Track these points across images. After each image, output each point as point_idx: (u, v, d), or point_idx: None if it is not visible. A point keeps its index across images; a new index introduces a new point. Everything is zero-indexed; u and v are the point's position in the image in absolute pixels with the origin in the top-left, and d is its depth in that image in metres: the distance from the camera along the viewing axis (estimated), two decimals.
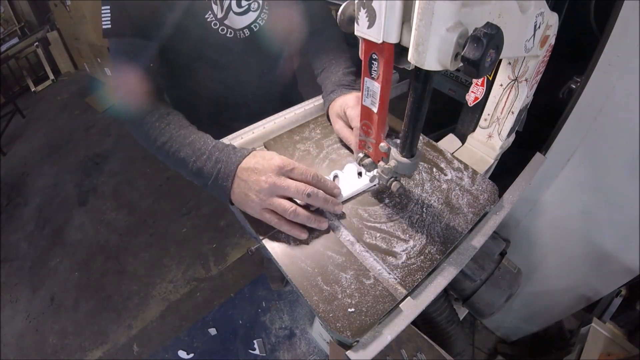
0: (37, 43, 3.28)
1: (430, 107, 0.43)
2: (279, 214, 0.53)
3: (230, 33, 0.71)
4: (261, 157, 0.55)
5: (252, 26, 0.73)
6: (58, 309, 1.71)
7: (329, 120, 0.73)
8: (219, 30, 0.70)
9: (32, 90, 3.37)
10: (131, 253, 1.90)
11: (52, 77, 3.47)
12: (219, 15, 0.68)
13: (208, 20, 0.67)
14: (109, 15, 0.61)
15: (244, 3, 0.70)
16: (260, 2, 0.72)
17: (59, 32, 3.41)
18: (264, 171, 0.53)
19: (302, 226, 0.54)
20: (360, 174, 0.63)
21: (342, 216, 0.58)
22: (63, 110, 3.11)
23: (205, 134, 0.61)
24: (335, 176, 0.63)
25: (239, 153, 0.57)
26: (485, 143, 0.73)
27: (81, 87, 3.34)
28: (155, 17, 0.63)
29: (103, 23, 0.61)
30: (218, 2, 0.67)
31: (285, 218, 0.53)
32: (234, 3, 0.68)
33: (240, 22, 0.71)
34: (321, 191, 0.54)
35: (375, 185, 0.61)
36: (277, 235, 0.55)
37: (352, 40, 0.53)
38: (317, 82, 0.80)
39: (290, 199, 0.54)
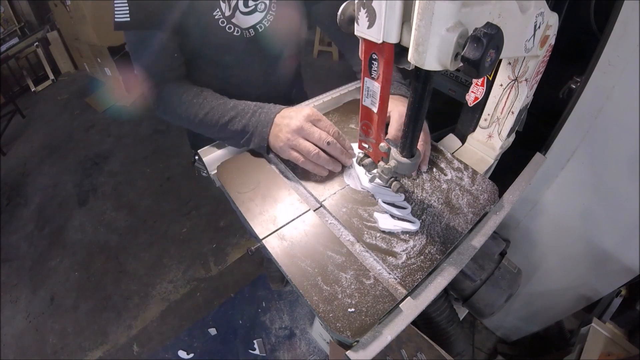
0: (37, 43, 3.28)
1: (430, 107, 0.43)
2: (304, 155, 0.61)
3: (237, 31, 0.71)
4: (295, 108, 0.64)
5: (258, 26, 0.73)
6: (58, 309, 1.71)
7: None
8: (226, 28, 0.70)
9: (32, 90, 3.36)
10: (131, 253, 1.90)
11: (52, 77, 3.46)
12: (227, 14, 0.68)
13: (216, 17, 0.68)
14: (127, 7, 0.60)
15: (250, 3, 0.70)
16: (267, 3, 0.72)
17: (59, 32, 3.40)
18: (295, 117, 0.61)
19: (322, 166, 0.62)
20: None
21: (341, 216, 0.58)
22: (63, 110, 3.11)
23: (241, 101, 0.67)
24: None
25: (278, 107, 0.65)
26: (485, 143, 0.73)
27: (81, 87, 3.33)
28: (170, 11, 0.63)
29: (117, 16, 0.61)
30: (226, 0, 0.67)
31: (308, 159, 0.61)
32: (241, 3, 0.69)
33: (246, 21, 0.71)
34: (339, 144, 0.62)
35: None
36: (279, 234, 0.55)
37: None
38: (358, 78, 0.82)
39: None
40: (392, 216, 0.57)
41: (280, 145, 0.61)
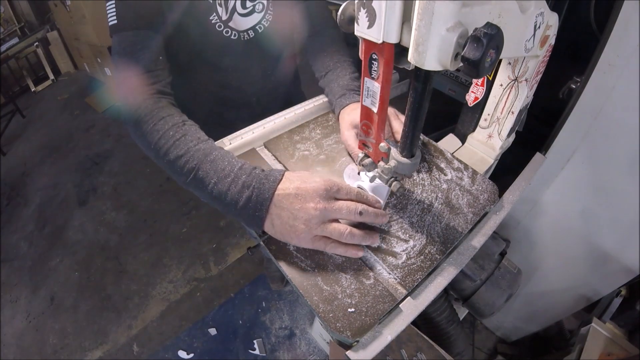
0: (37, 43, 3.28)
1: (430, 107, 0.43)
2: (335, 238, 0.50)
3: (235, 35, 0.71)
4: (300, 180, 0.50)
5: (257, 27, 0.73)
6: (58, 309, 1.71)
7: (338, 122, 0.71)
8: (223, 32, 0.69)
9: (32, 90, 3.36)
10: (131, 253, 1.90)
11: (52, 77, 3.47)
12: (224, 17, 0.68)
13: (212, 22, 0.67)
14: (114, 10, 0.58)
15: (248, 4, 0.69)
16: (265, 3, 0.71)
17: (59, 32, 3.40)
18: (309, 197, 0.48)
19: (356, 245, 0.51)
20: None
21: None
22: (63, 110, 3.11)
23: (227, 151, 0.55)
24: (360, 187, 0.60)
25: (270, 177, 0.50)
26: (485, 143, 0.73)
27: (81, 87, 3.33)
28: (160, 13, 0.61)
29: (109, 20, 0.59)
30: (223, 3, 0.66)
31: (338, 241, 0.50)
32: (238, 4, 0.68)
33: (244, 23, 0.71)
34: (370, 207, 0.52)
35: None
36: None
37: (352, 41, 0.53)
38: (319, 85, 0.79)
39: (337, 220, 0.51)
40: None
41: (300, 237, 0.48)
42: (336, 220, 0.50)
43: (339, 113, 0.70)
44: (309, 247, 0.51)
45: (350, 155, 0.67)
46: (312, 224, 0.48)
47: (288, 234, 0.49)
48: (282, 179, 0.50)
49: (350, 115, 0.67)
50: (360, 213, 0.50)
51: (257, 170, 0.52)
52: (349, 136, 0.65)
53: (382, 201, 0.55)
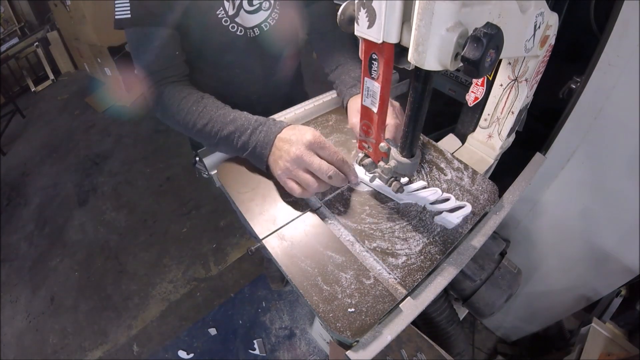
0: (37, 43, 3.28)
1: (430, 107, 0.43)
2: (302, 187, 0.56)
3: (241, 31, 0.71)
4: (298, 129, 0.58)
5: (262, 25, 0.73)
6: (58, 309, 1.71)
7: (346, 111, 0.73)
8: (230, 27, 0.69)
9: (32, 90, 3.36)
10: (131, 253, 1.90)
11: (52, 77, 3.46)
12: (230, 13, 0.68)
13: (219, 16, 0.67)
14: (128, 5, 0.60)
15: (255, 2, 0.69)
16: (272, 2, 0.72)
17: (59, 32, 3.40)
18: (295, 142, 0.56)
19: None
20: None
21: (341, 216, 0.58)
22: (63, 110, 3.10)
23: (242, 111, 0.64)
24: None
25: (278, 124, 0.60)
26: (485, 143, 0.73)
27: (81, 87, 3.33)
28: (171, 8, 0.62)
29: (117, 13, 0.61)
30: None
31: (307, 190, 0.56)
32: (245, 1, 0.68)
33: (250, 20, 0.71)
34: (342, 174, 0.57)
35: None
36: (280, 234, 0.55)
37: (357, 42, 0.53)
38: (329, 79, 0.81)
39: None
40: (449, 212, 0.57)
41: (278, 173, 0.58)
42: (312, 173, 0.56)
43: (348, 101, 0.72)
44: (284, 186, 0.58)
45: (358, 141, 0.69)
46: (288, 165, 0.56)
47: (274, 168, 0.58)
48: (287, 127, 0.60)
49: (358, 101, 0.68)
50: (330, 177, 0.55)
51: (271, 120, 0.61)
52: (356, 122, 0.66)
53: (360, 180, 0.62)
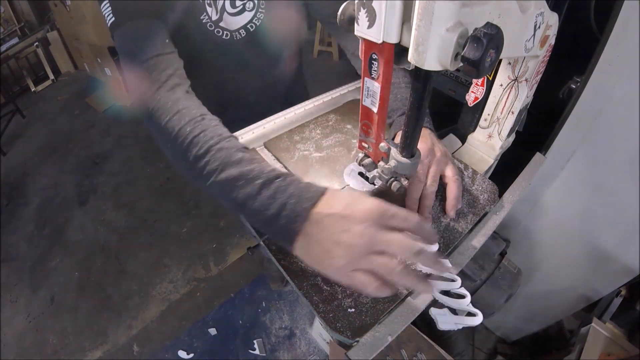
0: (37, 43, 3.28)
1: (430, 107, 0.43)
2: (382, 274, 0.38)
3: (227, 35, 0.70)
4: (350, 198, 0.40)
5: (248, 26, 0.72)
6: (58, 309, 1.71)
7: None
8: (215, 32, 0.69)
9: (32, 90, 3.36)
10: (131, 253, 1.90)
11: (52, 77, 3.47)
12: (214, 18, 0.67)
13: (204, 22, 0.67)
14: (109, 7, 0.57)
15: (238, 3, 0.68)
16: (256, 1, 0.71)
17: (59, 32, 3.40)
18: (358, 220, 0.38)
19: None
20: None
21: None
22: (63, 110, 3.11)
23: (255, 152, 0.50)
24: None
25: (312, 188, 0.41)
26: (485, 143, 0.73)
27: (81, 87, 3.33)
28: (156, 4, 0.59)
29: (107, 19, 0.58)
30: (212, 3, 0.66)
31: (389, 279, 0.39)
32: (227, 3, 0.67)
33: (235, 22, 0.70)
34: (430, 250, 0.40)
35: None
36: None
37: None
38: (355, 55, 0.74)
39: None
40: (452, 310, 0.48)
41: (337, 266, 0.38)
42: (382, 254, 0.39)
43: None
44: (343, 282, 0.39)
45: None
46: (354, 253, 0.38)
47: (322, 260, 0.39)
48: (325, 192, 0.41)
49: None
50: (417, 253, 0.38)
51: (296, 177, 0.43)
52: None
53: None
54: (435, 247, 0.46)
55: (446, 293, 0.47)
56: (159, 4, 0.60)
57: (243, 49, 0.74)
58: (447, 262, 0.48)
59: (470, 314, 0.47)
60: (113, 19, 0.58)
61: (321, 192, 0.41)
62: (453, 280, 0.48)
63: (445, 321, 0.46)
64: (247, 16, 0.71)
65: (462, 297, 0.46)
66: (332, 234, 0.38)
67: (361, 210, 0.38)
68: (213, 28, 0.68)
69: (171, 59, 0.57)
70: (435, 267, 0.41)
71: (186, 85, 0.57)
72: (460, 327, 0.45)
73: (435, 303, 0.78)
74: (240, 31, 0.71)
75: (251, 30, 0.73)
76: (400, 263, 0.38)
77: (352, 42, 0.76)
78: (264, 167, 0.44)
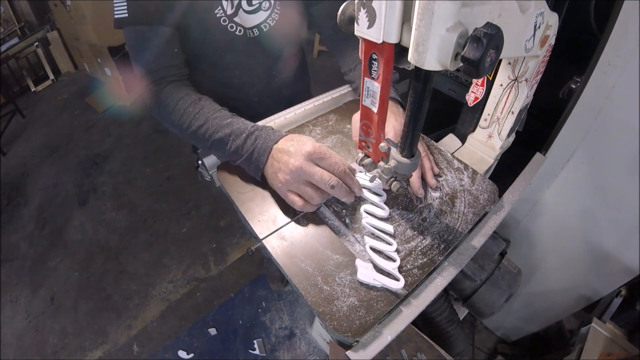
0: (37, 43, 3.28)
1: (430, 107, 0.43)
2: (305, 200, 0.54)
3: (240, 31, 0.70)
4: (296, 140, 0.56)
5: (262, 26, 0.72)
6: (58, 309, 1.71)
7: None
8: (228, 27, 0.69)
9: (32, 90, 3.36)
10: (131, 253, 1.90)
11: (52, 77, 3.46)
12: (229, 12, 0.67)
13: (217, 15, 0.67)
14: (125, 4, 0.60)
15: (254, 2, 0.69)
16: (272, 2, 0.71)
17: (59, 32, 3.40)
18: (295, 154, 0.53)
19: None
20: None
21: (341, 216, 0.58)
22: (63, 110, 3.10)
23: (240, 117, 0.63)
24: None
25: (277, 133, 0.58)
26: (485, 143, 0.73)
27: (81, 87, 3.33)
28: (169, 7, 0.62)
29: (116, 12, 0.61)
30: None
31: (310, 203, 0.55)
32: (244, 1, 0.68)
33: (250, 20, 0.70)
34: (345, 185, 0.55)
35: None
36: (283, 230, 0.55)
37: None
38: (347, 79, 0.80)
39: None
40: (376, 267, 0.51)
41: (278, 186, 0.55)
42: (315, 186, 0.54)
43: None
44: (285, 199, 0.56)
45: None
46: (288, 178, 0.53)
47: (273, 181, 0.56)
48: (284, 137, 0.58)
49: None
50: (332, 187, 0.53)
51: (268, 128, 0.60)
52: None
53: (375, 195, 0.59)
54: (385, 211, 0.57)
55: (379, 253, 0.52)
56: (174, 9, 0.63)
57: (253, 48, 0.74)
58: (360, 191, 0.57)
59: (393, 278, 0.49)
60: (127, 15, 0.61)
61: (282, 136, 0.58)
62: (390, 244, 0.53)
63: (365, 274, 0.49)
64: (262, 15, 0.71)
65: (393, 260, 0.51)
66: (280, 164, 0.54)
67: (300, 148, 0.54)
68: (227, 23, 0.68)
69: (178, 66, 0.68)
70: (346, 197, 0.55)
71: (187, 81, 0.70)
72: (378, 284, 0.49)
73: (435, 304, 0.78)
74: (254, 29, 0.72)
75: (265, 30, 0.73)
76: (319, 196, 0.54)
77: (340, 46, 0.80)
78: (247, 124, 0.61)
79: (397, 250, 0.53)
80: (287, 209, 0.58)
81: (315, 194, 0.54)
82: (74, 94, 3.29)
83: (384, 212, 0.57)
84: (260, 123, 0.74)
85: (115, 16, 0.61)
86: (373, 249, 0.52)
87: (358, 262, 0.51)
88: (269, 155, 0.56)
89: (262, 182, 0.61)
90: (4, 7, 3.31)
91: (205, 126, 0.61)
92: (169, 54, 0.66)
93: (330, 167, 0.54)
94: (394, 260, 0.51)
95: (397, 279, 0.49)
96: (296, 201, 0.54)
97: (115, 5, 0.61)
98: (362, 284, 0.49)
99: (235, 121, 0.61)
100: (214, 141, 0.60)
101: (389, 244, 0.53)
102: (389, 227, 0.55)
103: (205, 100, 0.65)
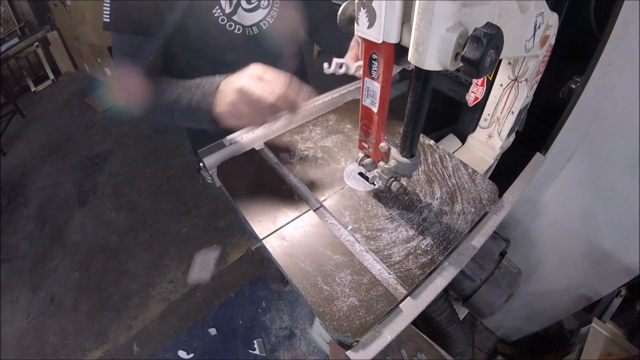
0: (37, 43, 3.28)
1: (430, 107, 0.43)
2: (250, 117, 0.56)
3: (239, 29, 0.71)
4: (238, 73, 0.57)
5: (261, 24, 0.72)
6: (58, 309, 1.71)
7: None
8: (227, 26, 0.69)
9: (32, 90, 3.36)
10: (131, 253, 1.90)
11: (52, 77, 3.46)
12: (227, 11, 0.67)
13: (215, 15, 0.67)
14: (108, 8, 0.61)
15: (253, 0, 0.69)
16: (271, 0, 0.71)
17: (59, 32, 3.40)
18: (236, 80, 0.56)
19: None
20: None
21: (341, 216, 0.58)
22: (63, 110, 3.10)
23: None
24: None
25: (221, 77, 0.60)
26: (485, 143, 0.73)
27: (81, 87, 3.33)
28: (157, 15, 0.62)
29: (103, 15, 0.62)
30: None
31: (253, 118, 0.56)
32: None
33: (249, 18, 0.71)
34: (289, 94, 0.55)
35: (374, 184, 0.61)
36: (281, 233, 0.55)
37: None
38: (312, 39, 0.83)
39: None
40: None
41: (224, 110, 0.56)
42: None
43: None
44: (234, 125, 0.57)
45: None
46: (230, 99, 0.55)
47: (220, 109, 0.57)
48: (227, 76, 0.59)
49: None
50: (270, 106, 0.53)
51: (215, 76, 0.60)
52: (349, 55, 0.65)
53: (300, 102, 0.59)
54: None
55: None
56: (162, 17, 0.63)
57: (252, 46, 0.74)
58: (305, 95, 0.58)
59: None
60: (109, 20, 0.62)
61: (224, 77, 0.59)
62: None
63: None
64: (261, 13, 0.71)
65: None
66: (224, 93, 0.56)
67: (242, 73, 0.56)
68: (225, 22, 0.68)
69: (154, 72, 0.68)
70: (290, 105, 0.55)
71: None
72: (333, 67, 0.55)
73: (435, 304, 0.77)
74: (253, 28, 0.72)
75: (263, 28, 0.73)
76: (256, 112, 0.54)
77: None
78: (198, 80, 0.62)
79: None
80: (287, 209, 0.58)
81: (259, 108, 0.54)
82: (74, 94, 3.29)
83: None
84: None
85: (103, 19, 0.63)
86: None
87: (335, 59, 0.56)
88: (215, 93, 0.58)
89: (263, 181, 0.60)
90: (4, 7, 3.31)
91: (180, 96, 0.62)
92: (144, 62, 0.66)
93: (272, 80, 0.55)
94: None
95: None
96: (242, 118, 0.56)
97: (103, 7, 0.62)
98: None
99: (188, 80, 0.62)
100: (171, 104, 0.61)
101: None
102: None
103: (166, 81, 0.66)
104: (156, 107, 0.65)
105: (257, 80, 0.54)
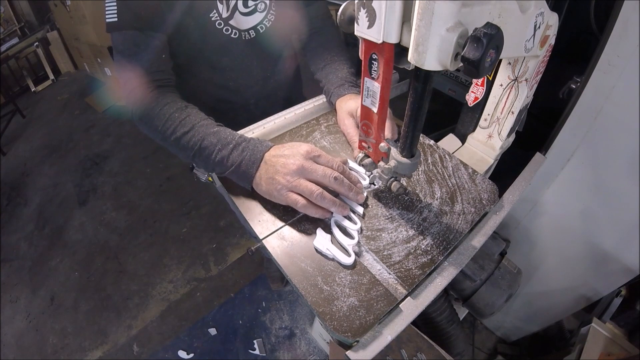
0: (37, 43, 3.28)
1: (430, 107, 0.43)
2: (306, 196, 0.54)
3: (235, 34, 0.70)
4: (288, 145, 0.57)
5: (258, 27, 0.72)
6: (58, 309, 1.71)
7: (336, 111, 0.73)
8: (223, 30, 0.69)
9: (32, 90, 3.36)
10: (131, 253, 1.90)
11: (52, 77, 3.47)
12: (224, 15, 0.67)
13: (212, 19, 0.67)
14: (115, 8, 0.60)
15: (250, 3, 0.69)
16: (267, 3, 0.71)
17: (59, 32, 3.40)
18: (292, 156, 0.54)
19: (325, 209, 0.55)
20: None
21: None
22: (63, 110, 3.10)
23: (225, 127, 0.62)
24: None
25: (264, 143, 0.58)
26: (485, 143, 0.73)
27: (81, 87, 3.33)
28: (159, 12, 0.62)
29: (107, 17, 0.60)
30: (224, 1, 0.66)
31: (310, 201, 0.54)
32: (240, 3, 0.68)
33: (246, 22, 0.70)
34: (347, 180, 0.56)
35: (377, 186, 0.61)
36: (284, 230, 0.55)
37: (351, 41, 0.53)
38: (316, 77, 0.80)
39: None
40: (333, 240, 0.53)
41: (278, 188, 0.53)
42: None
43: (336, 102, 0.72)
44: (284, 202, 0.55)
45: (350, 144, 0.68)
46: (289, 178, 0.53)
47: (269, 185, 0.54)
48: (274, 145, 0.58)
49: (348, 103, 0.68)
50: (335, 179, 0.54)
51: (255, 139, 0.59)
52: (348, 124, 0.67)
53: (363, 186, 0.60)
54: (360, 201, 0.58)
55: (344, 231, 0.54)
56: (163, 15, 0.62)
57: (249, 50, 0.74)
58: (361, 187, 0.59)
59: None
60: (115, 19, 0.60)
61: (271, 145, 0.58)
62: (355, 223, 0.55)
63: (321, 242, 0.52)
64: (258, 17, 0.71)
65: (352, 238, 0.53)
66: (275, 167, 0.54)
67: (296, 149, 0.55)
68: (222, 26, 0.68)
69: (164, 72, 0.66)
70: (349, 192, 0.56)
71: (173, 89, 0.68)
72: (330, 255, 0.51)
73: (435, 304, 0.78)
74: (250, 32, 0.72)
75: (260, 32, 0.73)
76: (319, 188, 0.53)
77: (313, 50, 0.83)
78: (234, 134, 0.59)
79: (361, 229, 0.55)
80: (288, 209, 0.58)
81: (318, 188, 0.53)
82: (74, 94, 3.29)
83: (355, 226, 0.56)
84: (259, 123, 0.74)
85: (106, 20, 0.61)
86: (337, 224, 0.55)
87: (319, 230, 0.54)
88: (260, 163, 0.56)
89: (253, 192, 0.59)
90: (4, 7, 3.31)
91: (191, 133, 0.59)
92: (158, 60, 0.64)
93: (329, 163, 0.56)
94: (353, 238, 0.53)
95: (349, 255, 0.50)
96: (298, 200, 0.53)
97: (106, 8, 0.60)
98: (316, 250, 0.52)
99: (222, 130, 0.59)
100: (199, 149, 0.58)
101: (355, 223, 0.55)
102: (358, 224, 0.56)
103: (191, 108, 0.63)
104: (163, 130, 0.61)
105: (316, 159, 0.55)
